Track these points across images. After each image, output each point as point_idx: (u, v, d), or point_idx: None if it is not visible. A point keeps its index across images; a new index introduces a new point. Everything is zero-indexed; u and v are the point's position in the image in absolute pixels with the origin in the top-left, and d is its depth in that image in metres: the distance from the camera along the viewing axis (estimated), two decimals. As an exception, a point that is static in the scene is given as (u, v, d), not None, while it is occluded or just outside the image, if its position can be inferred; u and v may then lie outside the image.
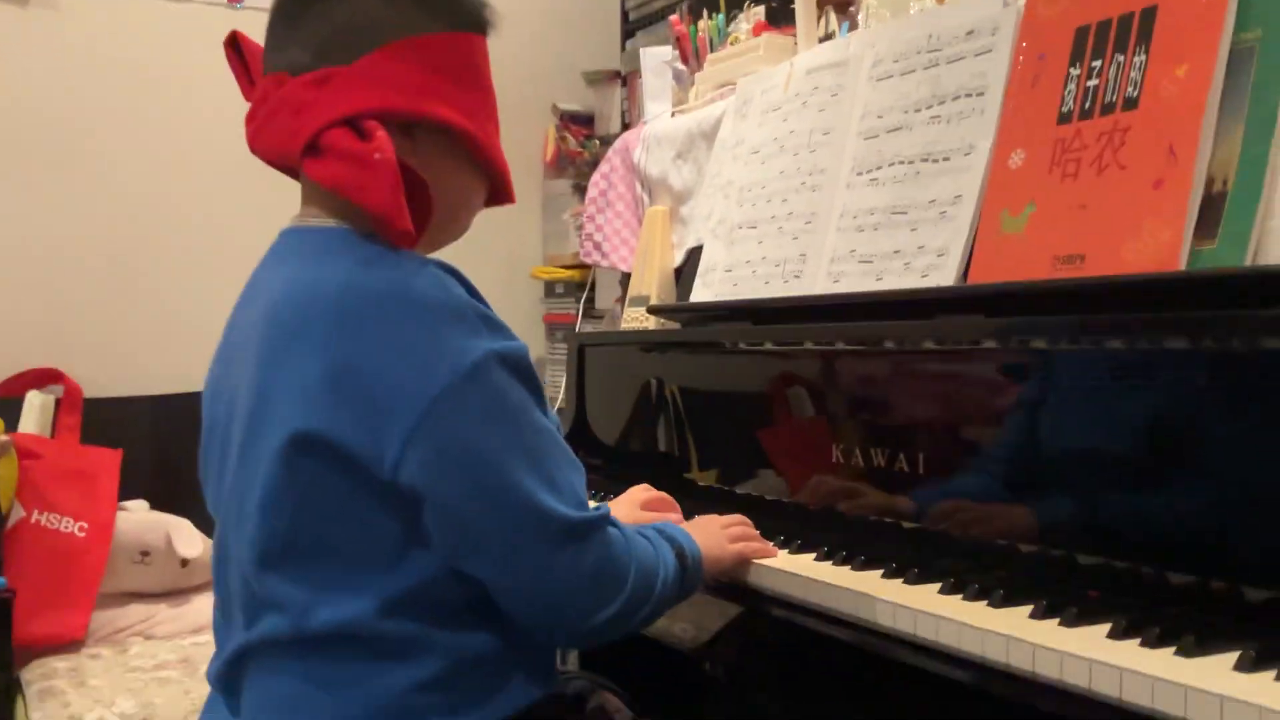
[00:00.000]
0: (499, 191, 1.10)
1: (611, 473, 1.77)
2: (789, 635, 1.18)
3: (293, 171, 1.03)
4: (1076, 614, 0.93)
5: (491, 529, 0.91)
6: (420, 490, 0.90)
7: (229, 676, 0.99)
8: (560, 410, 2.03)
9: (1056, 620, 0.94)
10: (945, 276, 1.20)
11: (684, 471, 1.61)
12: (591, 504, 0.97)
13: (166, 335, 2.48)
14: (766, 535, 1.26)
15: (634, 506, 1.32)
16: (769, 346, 1.44)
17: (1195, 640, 0.84)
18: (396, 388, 0.88)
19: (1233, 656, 0.81)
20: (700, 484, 1.57)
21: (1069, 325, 1.04)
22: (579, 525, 0.93)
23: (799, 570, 1.17)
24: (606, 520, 0.97)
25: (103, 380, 2.44)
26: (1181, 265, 0.93)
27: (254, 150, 1.03)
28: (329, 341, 0.90)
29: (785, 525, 1.30)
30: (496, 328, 0.93)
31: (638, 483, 1.43)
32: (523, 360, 0.94)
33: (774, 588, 1.18)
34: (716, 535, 1.19)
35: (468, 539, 0.92)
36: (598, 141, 2.70)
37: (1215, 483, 0.92)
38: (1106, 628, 0.90)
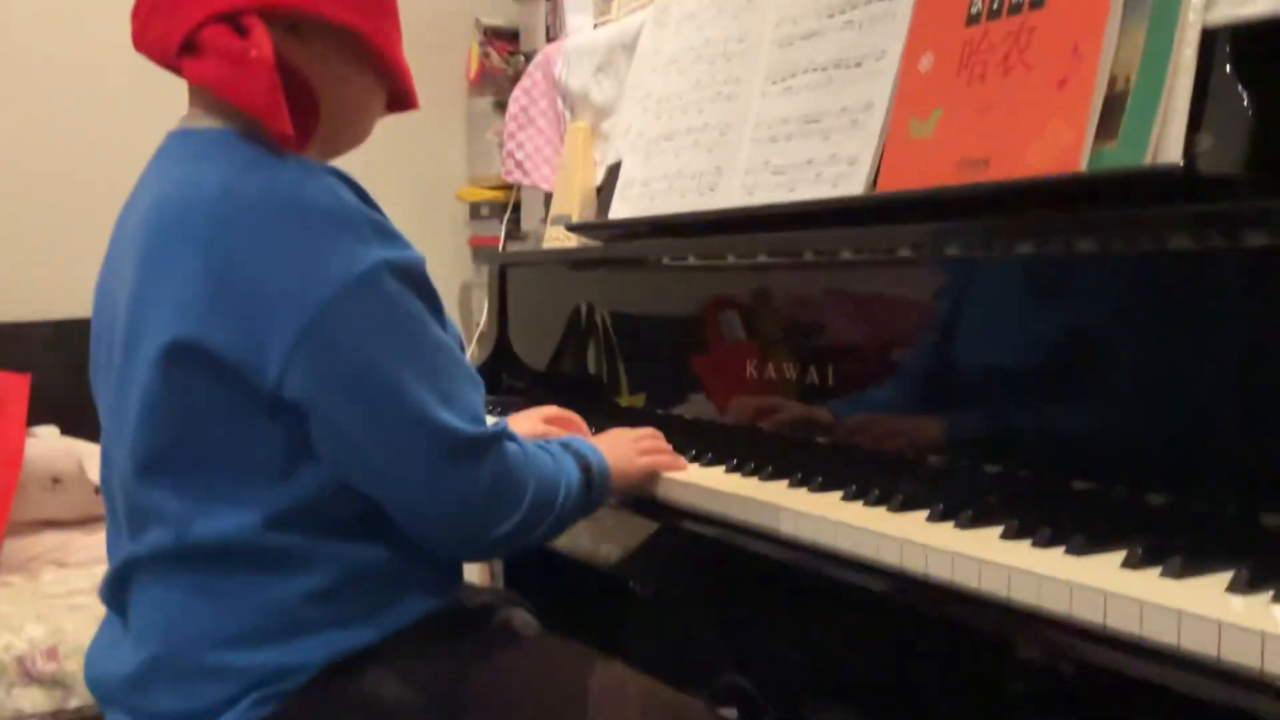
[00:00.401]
0: (400, 97, 1.06)
1: (535, 396, 1.75)
2: (708, 551, 1.18)
3: (178, 71, 0.98)
4: (971, 517, 0.93)
5: (380, 445, 0.89)
6: (305, 405, 0.87)
7: (116, 590, 0.97)
8: (483, 334, 2.00)
9: (951, 523, 0.94)
10: (855, 185, 1.18)
11: (609, 393, 1.59)
12: (491, 420, 0.95)
13: (71, 257, 2.40)
14: (681, 451, 1.25)
15: (536, 422, 1.30)
16: (687, 262, 1.42)
17: (1086, 540, 0.85)
18: (278, 297, 0.85)
19: (1120, 555, 0.81)
20: (623, 405, 1.56)
21: (970, 231, 1.03)
22: (473, 441, 0.91)
23: (707, 482, 1.16)
24: (503, 436, 0.95)
25: (7, 304, 2.36)
26: (1082, 166, 0.92)
27: (138, 49, 0.98)
28: (206, 247, 0.86)
29: (701, 441, 1.29)
30: (389, 236, 0.90)
31: (563, 406, 1.41)
32: (417, 270, 0.91)
33: (683, 500, 1.18)
34: (625, 448, 1.17)
35: (356, 456, 0.89)
36: (522, 57, 2.63)
37: (1119, 388, 0.92)
38: (999, 530, 0.90)
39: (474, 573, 2.11)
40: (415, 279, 0.91)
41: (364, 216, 0.88)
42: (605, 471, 1.09)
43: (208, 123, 0.94)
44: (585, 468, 1.05)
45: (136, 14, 0.96)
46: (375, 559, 0.92)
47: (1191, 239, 0.86)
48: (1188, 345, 0.86)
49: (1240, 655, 0.67)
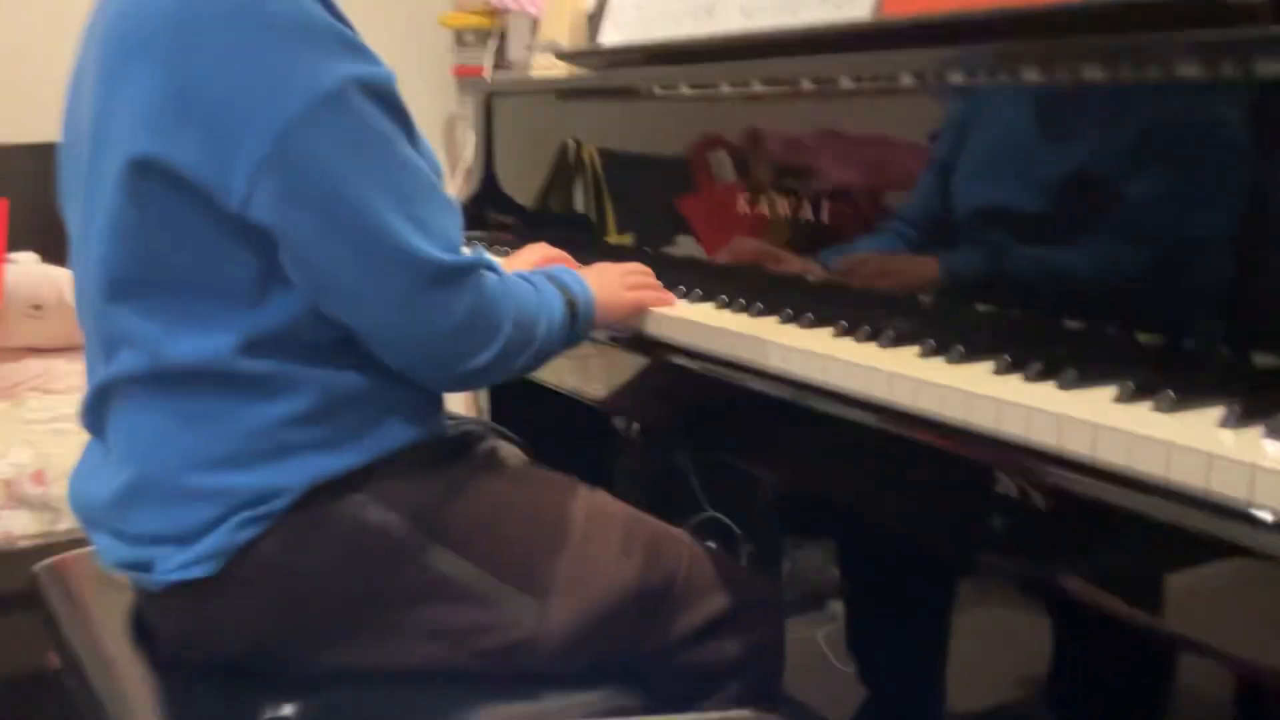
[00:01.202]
0: None
1: (522, 232, 1.72)
2: (696, 387, 1.17)
3: None
4: (963, 353, 0.92)
5: (350, 271, 0.86)
6: (273, 228, 0.84)
7: (95, 414, 0.96)
8: (468, 169, 1.95)
9: (942, 359, 0.93)
10: (861, 9, 1.13)
11: (597, 231, 1.56)
12: (467, 250, 0.93)
13: (45, 77, 2.31)
14: (670, 288, 1.23)
15: (527, 265, 1.28)
16: (682, 91, 1.37)
17: (1077, 376, 0.84)
18: (243, 112, 0.81)
19: (1112, 390, 0.81)
20: (612, 243, 1.53)
21: (973, 57, 0.99)
22: (448, 269, 0.88)
23: (695, 318, 1.15)
24: (481, 265, 0.92)
25: (-20, 128, 2.29)
26: (1100, -11, 0.88)
27: None
28: (167, 59, 0.82)
29: (690, 279, 1.27)
30: (357, 50, 0.86)
31: (551, 243, 1.39)
32: (387, 87, 0.87)
33: (670, 335, 1.16)
34: (613, 282, 1.15)
35: (325, 281, 0.87)
36: (511, -126, 2.49)
37: (1116, 225, 0.90)
38: (991, 365, 0.90)
39: (460, 403, 2.11)
40: (385, 96, 0.87)
41: (331, 29, 0.84)
42: (591, 304, 1.07)
43: None
44: (570, 300, 1.04)
45: None
46: (355, 384, 0.91)
47: (1203, 68, 0.82)
48: (1190, 181, 0.84)
49: (1229, 487, 0.67)
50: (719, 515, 2.27)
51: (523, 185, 1.77)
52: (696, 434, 1.29)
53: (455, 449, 1.02)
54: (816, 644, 1.95)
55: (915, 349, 0.96)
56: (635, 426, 2.38)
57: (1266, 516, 0.65)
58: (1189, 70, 0.84)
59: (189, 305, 0.87)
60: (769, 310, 1.14)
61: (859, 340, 1.01)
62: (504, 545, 0.96)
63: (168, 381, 0.88)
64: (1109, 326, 0.91)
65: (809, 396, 0.98)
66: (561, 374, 1.38)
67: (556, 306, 1.01)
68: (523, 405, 1.89)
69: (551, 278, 1.05)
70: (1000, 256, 1.00)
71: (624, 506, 1.06)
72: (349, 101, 0.83)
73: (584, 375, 1.41)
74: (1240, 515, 0.66)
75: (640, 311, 1.19)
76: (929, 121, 1.06)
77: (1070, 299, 0.94)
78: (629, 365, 1.29)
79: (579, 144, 1.59)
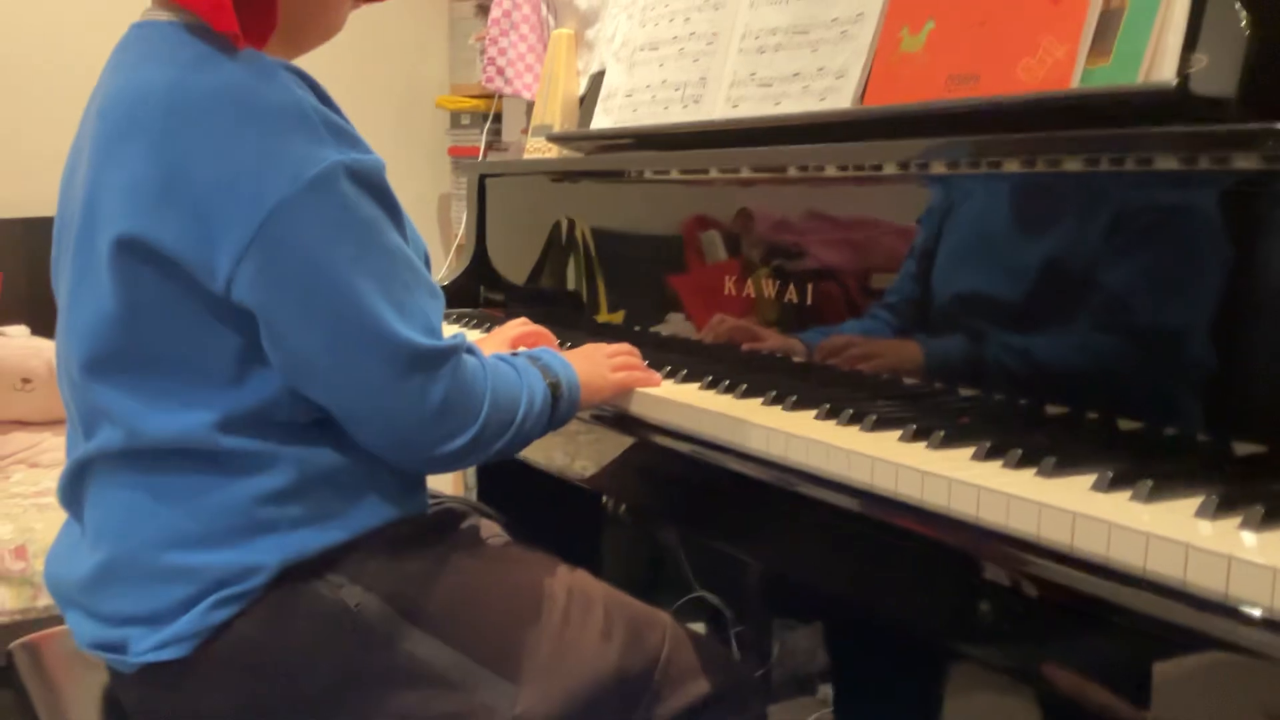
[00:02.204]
0: None
1: (513, 310, 1.73)
2: (681, 467, 1.17)
3: None
4: (944, 438, 0.93)
5: (330, 354, 0.87)
6: (255, 309, 0.85)
7: (72, 491, 0.96)
8: (460, 246, 1.97)
9: (923, 444, 0.93)
10: (842, 99, 1.15)
11: (588, 310, 1.58)
12: (452, 330, 0.94)
13: (41, 154, 2.35)
14: (656, 368, 1.24)
15: (505, 342, 1.29)
16: (670, 176, 1.39)
17: (1057, 463, 0.84)
18: (229, 196, 0.82)
19: (1090, 478, 0.81)
20: (601, 322, 1.54)
21: (955, 148, 1.01)
22: (427, 354, 0.89)
23: (680, 398, 1.15)
24: (459, 349, 0.93)
25: (-24, 202, 2.31)
26: (1074, 84, 0.90)
27: None
28: (157, 141, 0.84)
29: (677, 359, 1.28)
30: (347, 138, 0.87)
31: (540, 320, 1.40)
32: (375, 174, 0.88)
33: (655, 416, 1.17)
34: (598, 363, 1.16)
35: (303, 362, 0.88)
36: (508, -37, 2.55)
37: (1098, 311, 0.91)
38: (971, 451, 0.90)
39: (446, 482, 2.11)
40: (372, 183, 0.88)
41: (320, 116, 0.86)
42: (575, 386, 1.07)
43: (166, 14, 0.91)
44: (553, 383, 1.04)
45: None
46: (333, 462, 0.91)
47: (1179, 160, 0.84)
48: (1169, 270, 0.85)
49: (1207, 579, 0.67)
50: (707, 595, 2.25)
51: (514, 263, 1.79)
52: (681, 514, 1.28)
53: (435, 528, 1.02)
54: (806, 729, 1.93)
55: (897, 433, 0.97)
56: (621, 504, 2.38)
57: (1246, 610, 0.65)
58: (1164, 162, 0.85)
59: (169, 382, 0.87)
60: (753, 391, 1.14)
61: (842, 423, 1.01)
62: (481, 628, 0.95)
63: (144, 458, 0.88)
64: (1089, 412, 0.92)
65: (791, 479, 0.98)
66: (549, 452, 1.38)
67: (538, 390, 1.02)
68: (509, 482, 1.89)
69: (535, 359, 1.06)
70: (981, 342, 1.01)
71: (605, 587, 1.05)
72: (335, 187, 0.84)
73: (570, 453, 1.41)
74: (1218, 607, 0.65)
75: (626, 392, 1.19)
76: (911, 208, 1.07)
77: (1051, 385, 0.94)
78: (615, 444, 1.29)
79: (572, 222, 1.61)
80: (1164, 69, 0.84)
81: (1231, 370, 0.82)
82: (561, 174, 1.66)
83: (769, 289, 1.24)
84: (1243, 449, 0.80)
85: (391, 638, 0.92)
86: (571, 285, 1.61)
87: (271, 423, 0.89)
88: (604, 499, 2.26)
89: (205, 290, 0.85)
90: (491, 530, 1.11)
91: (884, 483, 0.89)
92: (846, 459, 0.93)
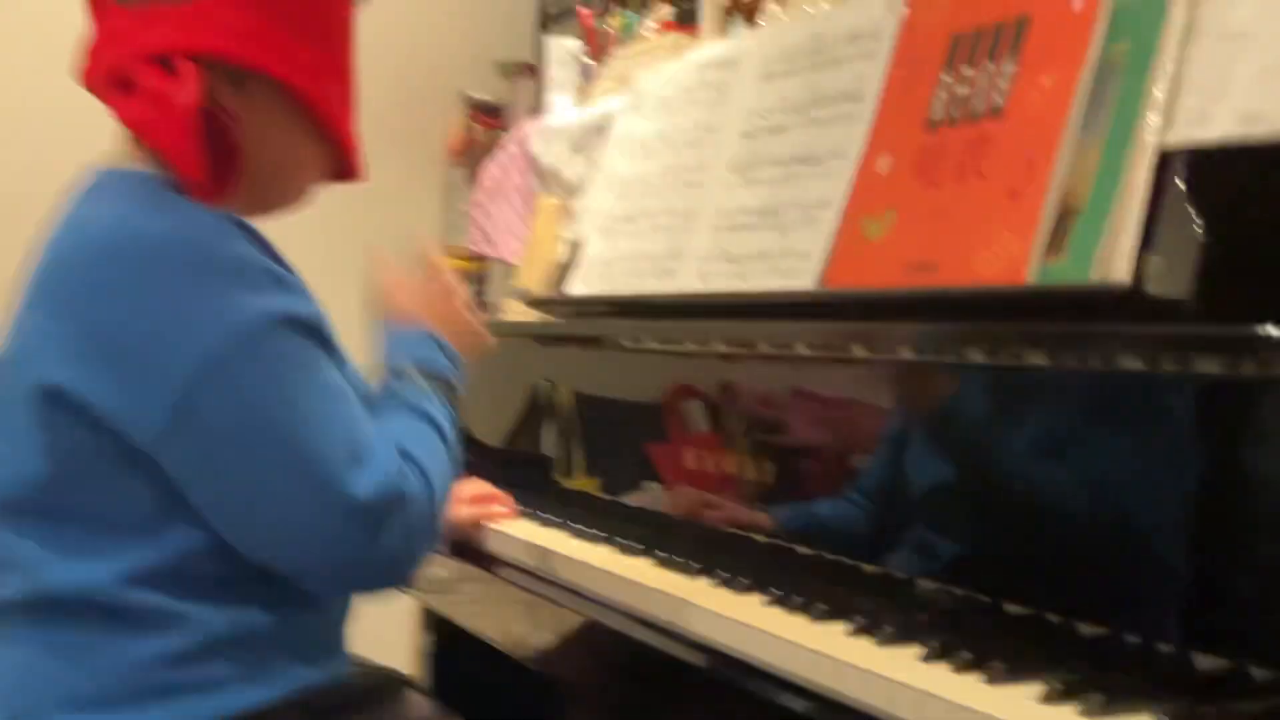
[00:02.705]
0: (343, 165, 1.03)
1: (487, 473, 1.70)
2: (624, 650, 1.12)
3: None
4: (891, 635, 0.89)
5: (276, 514, 0.84)
6: (187, 463, 0.83)
7: None
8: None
9: (872, 639, 0.89)
10: (805, 279, 1.15)
11: (559, 472, 1.55)
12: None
13: None
14: (624, 537, 1.22)
15: (458, 505, 1.27)
16: (644, 345, 1.39)
17: (1006, 669, 0.80)
18: (160, 348, 0.81)
19: (1040, 688, 0.76)
20: (571, 487, 1.51)
21: (921, 334, 1.00)
22: (374, 508, 0.86)
23: (626, 573, 1.11)
24: (402, 478, 0.88)
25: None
26: (1029, 278, 0.89)
27: (83, 83, 0.96)
28: (88, 290, 0.83)
29: (642, 530, 1.25)
30: (286, 286, 0.86)
31: (509, 483, 1.40)
32: (312, 321, 0.87)
33: (595, 589, 1.13)
34: (448, 316, 1.11)
35: (250, 524, 0.85)
36: (504, 133, 2.63)
37: (1061, 508, 0.88)
38: (920, 650, 0.86)
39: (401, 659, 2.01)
40: (309, 329, 0.87)
41: (259, 265, 0.85)
42: (455, 361, 1.05)
43: (122, 162, 0.92)
44: (450, 389, 1.02)
45: (85, 48, 0.94)
46: (247, 623, 0.87)
47: (1140, 359, 0.83)
48: (1132, 471, 0.83)
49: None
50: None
51: (486, 424, 1.77)
52: (620, 701, 1.22)
53: (355, 698, 0.96)
54: None
55: (844, 625, 0.92)
56: (571, 685, 2.29)
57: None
58: (1125, 361, 0.84)
59: (79, 532, 0.84)
60: (706, 570, 1.11)
61: (789, 611, 0.97)
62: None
63: (45, 610, 0.84)
64: (1049, 614, 0.87)
65: (730, 669, 0.93)
66: (503, 626, 1.33)
67: (446, 419, 0.99)
68: (463, 670, 1.82)
69: (423, 369, 1.00)
70: (943, 532, 0.98)
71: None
72: (269, 336, 0.83)
73: (526, 632, 1.35)
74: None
75: (560, 559, 1.15)
76: (880, 390, 1.06)
77: (1012, 582, 0.91)
78: (568, 622, 1.24)
79: (547, 386, 1.59)
80: (1118, 269, 0.84)
81: (1196, 576, 0.78)
82: (537, 337, 1.66)
83: (740, 462, 1.21)
84: (1204, 663, 0.76)
85: None
86: (542, 449, 1.59)
87: (185, 578, 0.85)
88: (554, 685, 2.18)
89: (130, 442, 0.82)
90: (419, 702, 1.05)
91: (825, 679, 0.84)
92: (790, 651, 0.88)
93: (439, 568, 1.48)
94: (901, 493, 1.03)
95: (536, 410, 1.64)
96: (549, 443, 1.59)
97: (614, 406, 1.48)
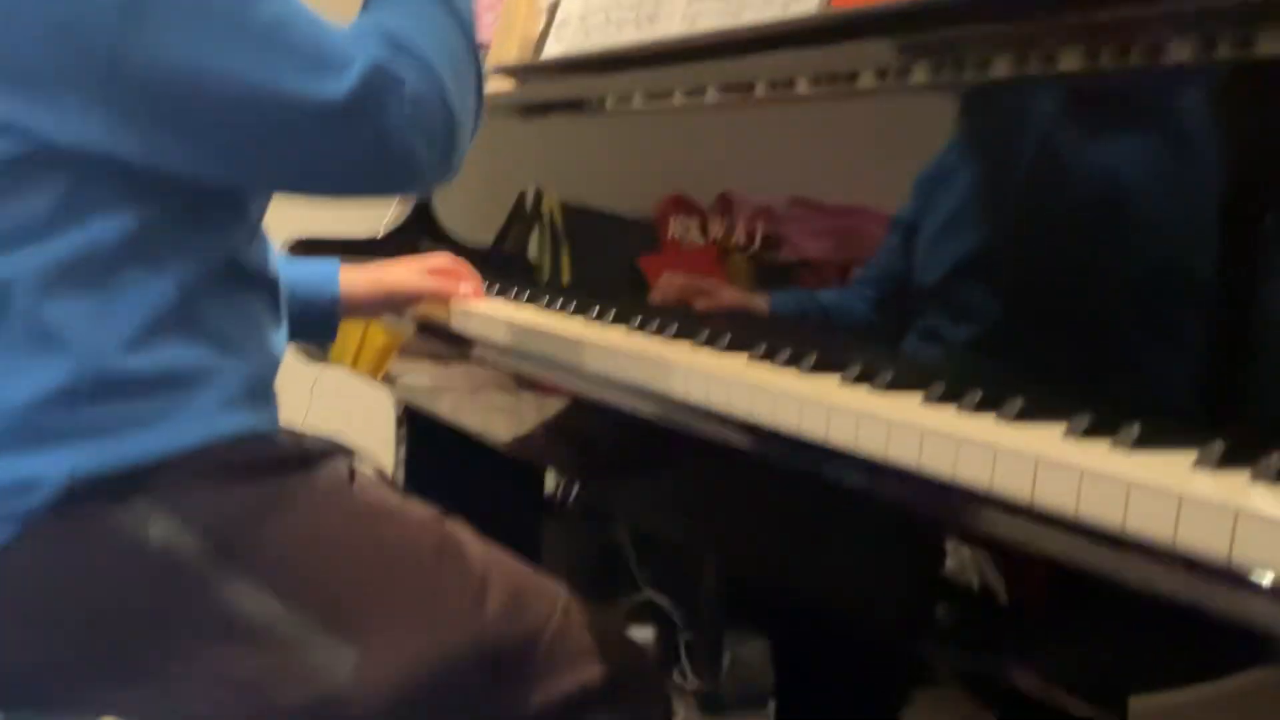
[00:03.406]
0: None
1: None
2: (607, 420, 1.01)
3: None
4: (891, 381, 0.77)
5: (256, 139, 0.75)
6: (125, 140, 0.72)
7: None
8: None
9: (867, 387, 0.78)
10: (807, 3, 1.00)
11: (543, 269, 1.41)
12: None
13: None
14: (602, 318, 1.11)
15: (421, 271, 1.17)
16: (633, 105, 1.25)
17: (1023, 407, 0.68)
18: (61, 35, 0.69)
19: (1063, 425, 0.65)
20: (550, 276, 1.38)
21: (942, 44, 0.86)
22: (354, 104, 0.74)
23: (604, 341, 0.99)
24: (389, 68, 0.76)
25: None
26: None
27: None
28: None
29: (621, 305, 1.13)
30: None
31: (490, 281, 1.30)
32: None
33: (580, 362, 1.00)
34: None
35: (233, 157, 0.77)
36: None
37: (1087, 236, 0.75)
38: (922, 395, 0.74)
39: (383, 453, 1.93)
40: None
41: None
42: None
43: None
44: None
45: None
46: (146, 359, 0.75)
47: (1190, 48, 0.68)
48: (1177, 177, 0.70)
49: (1202, 539, 0.50)
50: (657, 598, 2.09)
51: (462, 212, 1.63)
52: (606, 476, 1.12)
53: (283, 459, 0.84)
54: (754, 745, 1.77)
55: (837, 377, 0.81)
56: (569, 496, 2.21)
57: (1257, 579, 0.48)
58: (1181, 52, 0.69)
59: None
60: (684, 334, 0.99)
61: (778, 364, 0.86)
62: (320, 579, 0.79)
63: None
64: (1065, 355, 0.75)
65: (715, 428, 0.82)
66: (485, 417, 1.23)
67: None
68: (441, 463, 1.73)
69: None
70: (958, 280, 0.85)
71: (488, 547, 0.89)
72: None
73: (503, 419, 1.24)
74: (1217, 572, 0.49)
75: (548, 336, 1.03)
76: (895, 132, 0.92)
77: (1024, 318, 0.78)
78: (542, 402, 1.13)
79: (524, 164, 1.45)
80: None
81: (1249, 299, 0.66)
82: (508, 109, 1.51)
83: (722, 232, 1.08)
84: (1252, 389, 0.64)
85: (206, 583, 0.75)
86: (533, 252, 1.45)
87: (62, 293, 0.73)
88: (546, 487, 2.10)
89: (40, 132, 0.71)
90: (360, 473, 0.94)
91: (813, 428, 0.73)
92: (772, 402, 0.77)
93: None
94: (906, 242, 0.90)
95: (512, 193, 1.49)
96: (537, 246, 1.45)
97: (597, 182, 1.34)
